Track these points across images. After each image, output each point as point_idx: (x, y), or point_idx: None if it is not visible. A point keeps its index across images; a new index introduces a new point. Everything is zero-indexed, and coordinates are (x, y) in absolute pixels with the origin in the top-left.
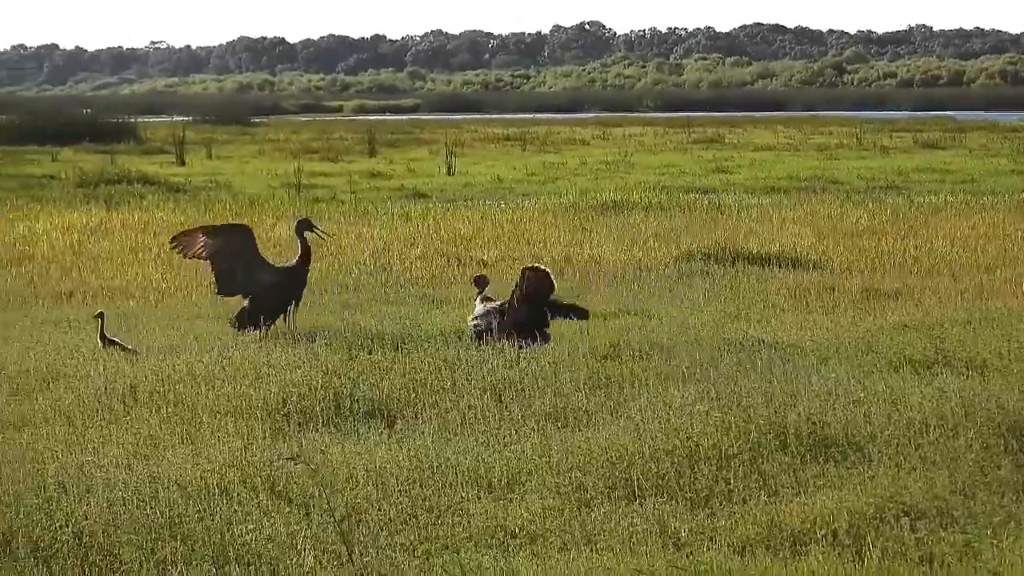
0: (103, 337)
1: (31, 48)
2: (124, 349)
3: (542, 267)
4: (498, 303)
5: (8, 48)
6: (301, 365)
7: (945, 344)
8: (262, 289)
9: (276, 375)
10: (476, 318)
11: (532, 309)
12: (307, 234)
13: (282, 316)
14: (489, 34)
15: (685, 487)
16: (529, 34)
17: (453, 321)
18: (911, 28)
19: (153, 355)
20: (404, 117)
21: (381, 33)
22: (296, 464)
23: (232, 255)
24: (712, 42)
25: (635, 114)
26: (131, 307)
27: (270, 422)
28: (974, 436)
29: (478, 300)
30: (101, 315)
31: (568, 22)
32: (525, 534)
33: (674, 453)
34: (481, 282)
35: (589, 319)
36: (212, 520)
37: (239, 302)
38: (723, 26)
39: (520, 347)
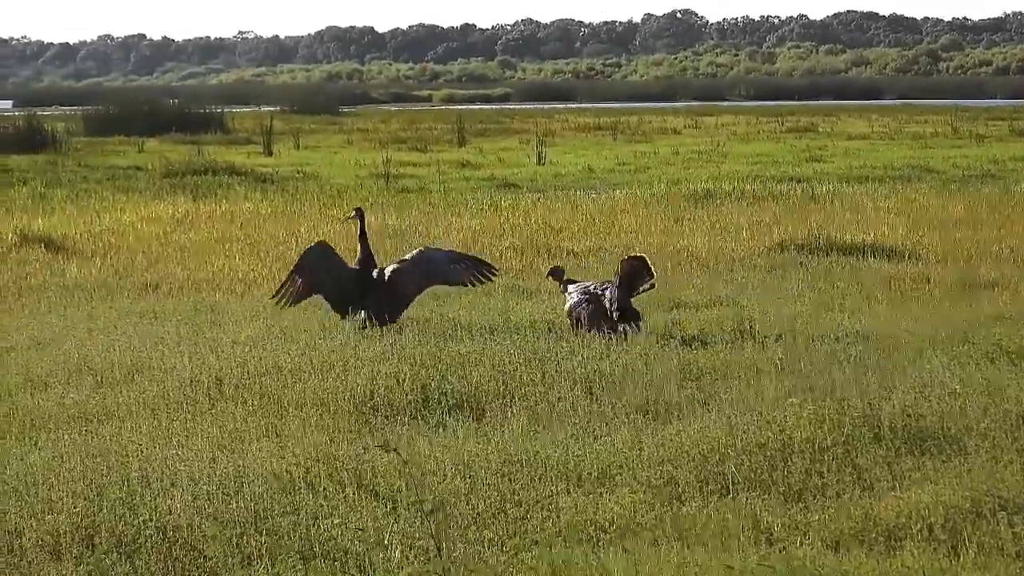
0: None
1: (118, 38)
2: None
3: (640, 254)
4: (591, 286)
5: (95, 38)
6: (388, 357)
7: None
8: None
9: (363, 367)
10: (577, 306)
11: (628, 297)
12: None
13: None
14: (580, 22)
15: (778, 481)
16: (620, 22)
17: (543, 312)
18: (1007, 15)
19: (239, 347)
20: (494, 106)
21: (471, 22)
22: (389, 452)
23: (329, 276)
24: (805, 30)
25: (727, 103)
26: (217, 299)
27: (356, 415)
28: None
29: (571, 288)
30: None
31: (660, 10)
32: (615, 529)
33: (767, 446)
34: (558, 273)
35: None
36: (298, 515)
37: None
38: (816, 14)
39: (611, 336)
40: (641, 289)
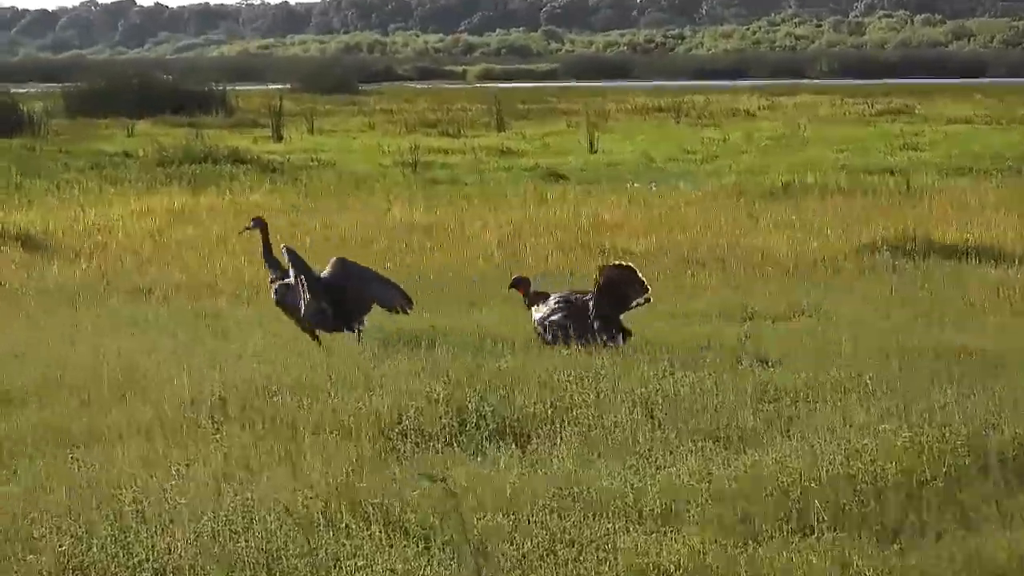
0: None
1: (103, 4)
2: None
3: (627, 263)
4: (570, 296)
5: (77, 4)
6: (419, 373)
7: None
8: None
9: (389, 385)
10: (552, 315)
11: (617, 310)
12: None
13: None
14: None
15: (869, 519)
16: None
17: None
18: None
19: (245, 361)
20: (538, 84)
21: None
22: (435, 483)
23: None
24: None
25: (808, 81)
26: (219, 305)
27: (382, 440)
28: None
29: (550, 299)
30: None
31: None
32: (681, 573)
33: (856, 479)
34: (523, 284)
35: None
36: (316, 555)
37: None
38: None
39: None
40: (633, 304)
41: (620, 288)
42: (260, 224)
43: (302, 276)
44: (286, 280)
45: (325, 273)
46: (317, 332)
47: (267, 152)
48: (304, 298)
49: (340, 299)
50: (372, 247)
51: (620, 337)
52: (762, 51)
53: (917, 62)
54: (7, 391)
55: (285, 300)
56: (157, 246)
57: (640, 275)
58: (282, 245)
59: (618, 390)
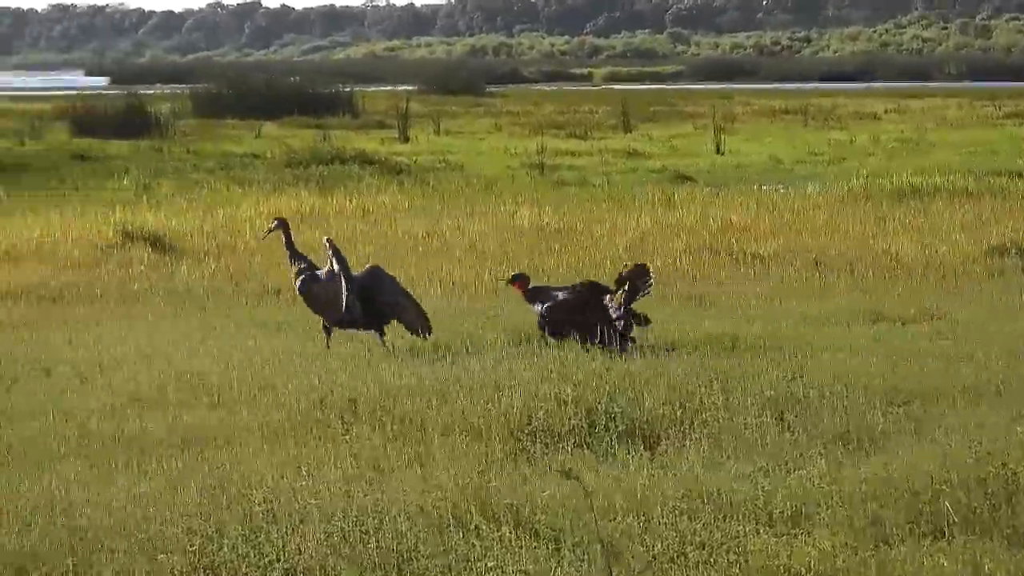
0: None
1: (230, 6)
2: None
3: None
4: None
5: (204, 6)
6: (548, 376)
7: None
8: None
9: (519, 387)
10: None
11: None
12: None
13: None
14: None
15: (1001, 522)
16: None
17: (725, 326)
18: None
19: (376, 363)
20: (664, 86)
21: None
22: (569, 480)
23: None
24: None
25: (935, 84)
26: None
27: (512, 442)
28: None
29: (540, 297)
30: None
31: None
32: (812, 575)
33: (987, 482)
34: (522, 280)
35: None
36: (447, 556)
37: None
38: None
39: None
40: (640, 296)
41: (634, 283)
42: (282, 224)
43: (343, 269)
44: (317, 272)
45: (359, 275)
46: (332, 329)
47: (394, 153)
48: (345, 288)
49: (369, 302)
50: (501, 249)
51: (632, 330)
52: (888, 53)
53: None
54: (139, 392)
55: (312, 291)
56: (283, 247)
57: (650, 267)
58: (324, 238)
59: (747, 393)
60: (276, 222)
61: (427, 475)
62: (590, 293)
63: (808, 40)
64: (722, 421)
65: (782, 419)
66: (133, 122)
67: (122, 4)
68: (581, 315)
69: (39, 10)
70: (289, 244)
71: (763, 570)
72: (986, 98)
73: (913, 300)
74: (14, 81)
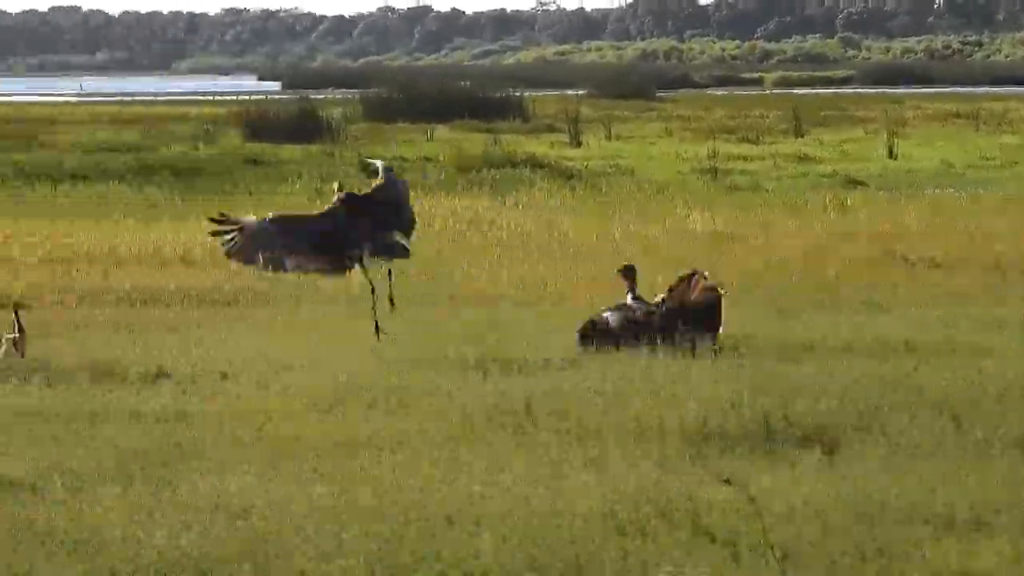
0: None
1: (400, 10)
2: None
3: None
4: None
5: (375, 10)
6: (724, 380)
7: None
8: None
9: (695, 391)
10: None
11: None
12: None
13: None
14: None
15: None
16: None
17: (901, 331)
18: None
19: (551, 367)
20: (835, 91)
21: None
22: (728, 486)
23: (298, 229)
24: None
25: None
26: (521, 311)
27: (688, 446)
28: None
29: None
30: None
31: None
32: None
33: None
34: (630, 273)
35: None
36: (626, 560)
37: None
38: None
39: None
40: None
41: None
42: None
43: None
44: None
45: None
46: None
47: (565, 158)
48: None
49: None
50: (672, 254)
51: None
52: None
53: None
54: (314, 396)
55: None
56: (457, 250)
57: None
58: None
59: (925, 397)
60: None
61: (604, 479)
62: None
63: (980, 44)
64: (900, 425)
65: (959, 424)
66: (305, 127)
67: (294, 8)
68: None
69: (211, 14)
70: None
71: None
72: None
73: None
74: (187, 85)
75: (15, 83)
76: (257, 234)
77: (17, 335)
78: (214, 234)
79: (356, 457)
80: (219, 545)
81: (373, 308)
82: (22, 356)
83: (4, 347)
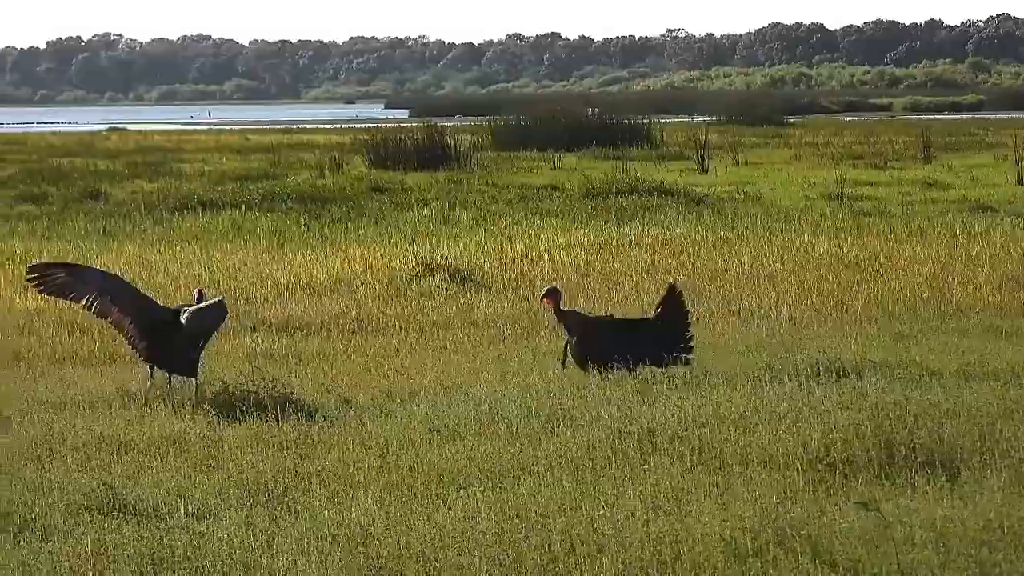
0: None
1: (529, 38)
2: None
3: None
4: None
5: (503, 38)
6: (847, 406)
7: None
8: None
9: (818, 418)
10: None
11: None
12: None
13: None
14: None
15: None
16: None
17: None
18: None
19: (674, 393)
20: (965, 116)
21: (937, 18)
22: (869, 511)
23: (126, 295)
24: None
25: None
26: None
27: (811, 472)
28: None
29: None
30: None
31: None
32: None
33: None
34: (555, 296)
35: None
36: None
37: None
38: None
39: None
40: None
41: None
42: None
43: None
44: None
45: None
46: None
47: (692, 184)
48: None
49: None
50: (798, 280)
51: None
52: None
53: None
54: (437, 423)
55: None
56: (583, 278)
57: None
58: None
59: None
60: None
61: (725, 505)
62: None
63: None
64: (1022, 451)
65: None
66: (432, 154)
67: (422, 36)
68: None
69: (340, 42)
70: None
71: None
72: None
73: None
74: (315, 113)
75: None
76: (87, 276)
77: None
78: (33, 279)
79: (477, 483)
80: (339, 572)
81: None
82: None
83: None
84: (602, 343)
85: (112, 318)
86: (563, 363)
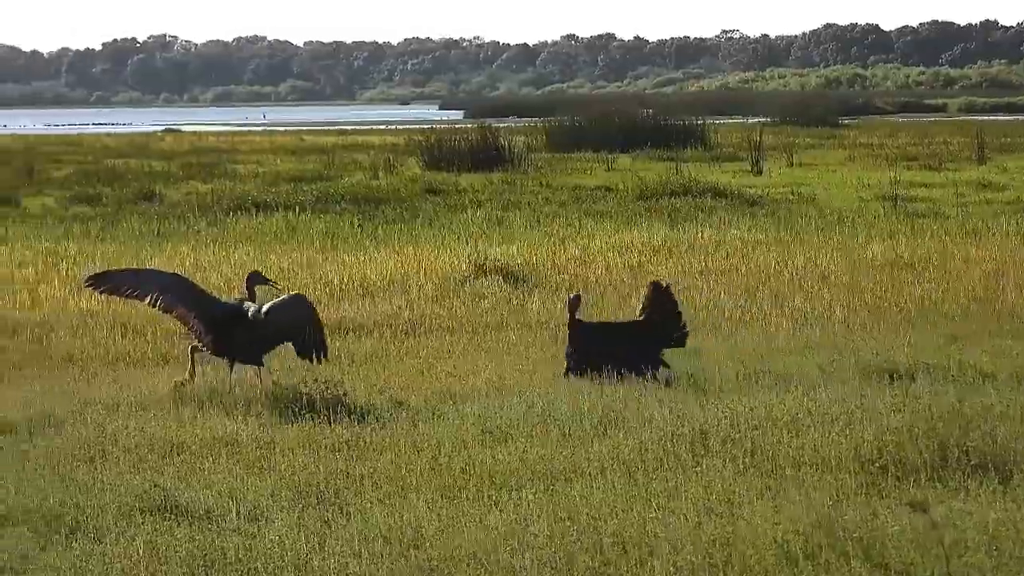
0: None
1: (584, 39)
2: None
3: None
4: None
5: (558, 39)
6: (900, 408)
7: None
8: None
9: (870, 420)
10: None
11: None
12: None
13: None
14: None
15: None
16: None
17: None
18: None
19: (726, 396)
20: (1020, 117)
21: (992, 18)
22: (919, 513)
23: (190, 295)
24: None
25: None
26: (699, 340)
27: (863, 475)
28: None
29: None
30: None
31: None
32: None
33: None
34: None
35: None
36: None
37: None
38: None
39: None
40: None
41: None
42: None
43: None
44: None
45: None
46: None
47: (746, 186)
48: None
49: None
50: (852, 281)
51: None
52: None
53: None
54: (489, 424)
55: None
56: (637, 280)
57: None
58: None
59: None
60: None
61: (778, 508)
62: None
63: None
64: None
65: None
66: (486, 155)
67: (477, 37)
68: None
69: (395, 43)
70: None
71: None
72: None
73: None
74: (369, 114)
75: (199, 113)
76: (148, 276)
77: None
78: (94, 282)
79: (529, 485)
80: (390, 573)
81: None
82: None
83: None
84: (589, 346)
85: (177, 312)
86: (566, 372)
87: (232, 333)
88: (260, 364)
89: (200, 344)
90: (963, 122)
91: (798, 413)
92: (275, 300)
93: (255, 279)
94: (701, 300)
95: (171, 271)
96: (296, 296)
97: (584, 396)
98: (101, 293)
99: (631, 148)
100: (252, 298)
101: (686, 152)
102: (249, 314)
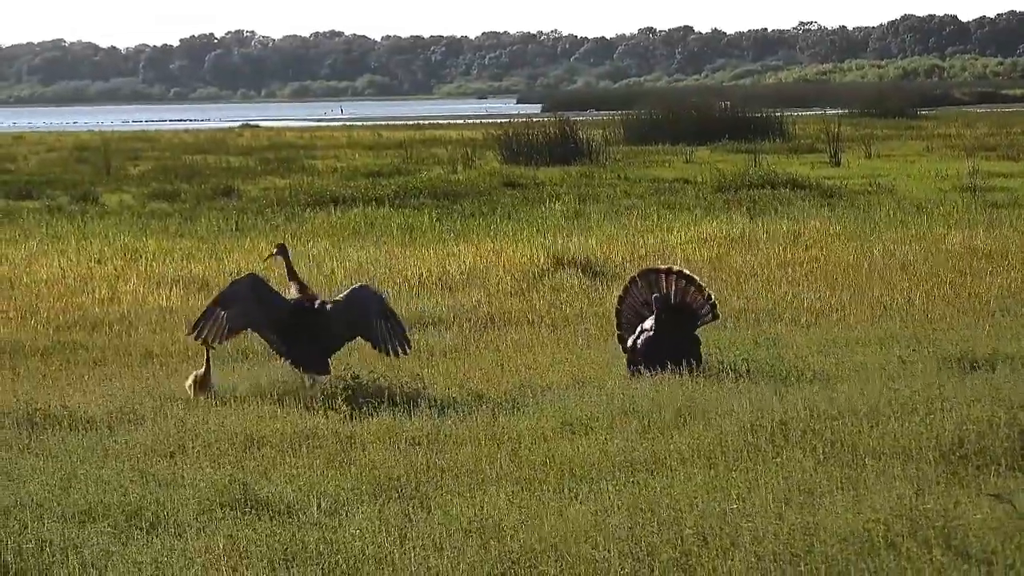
0: None
1: (662, 31)
2: None
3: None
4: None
5: (636, 32)
6: (980, 398)
7: None
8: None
9: (950, 410)
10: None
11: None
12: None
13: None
14: None
15: None
16: None
17: None
18: None
19: (806, 386)
20: None
21: None
22: (1003, 503)
23: (260, 309)
24: None
25: None
26: (779, 331)
27: (944, 464)
28: None
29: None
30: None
31: None
32: None
33: None
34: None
35: None
36: None
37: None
38: None
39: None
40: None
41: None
42: (282, 250)
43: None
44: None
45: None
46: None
47: (824, 177)
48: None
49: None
50: (931, 272)
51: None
52: None
53: None
54: (569, 417)
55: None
56: (716, 272)
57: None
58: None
59: None
60: (277, 248)
61: (859, 498)
62: None
63: None
64: None
65: None
66: (564, 148)
67: (554, 31)
68: None
69: (472, 38)
70: (290, 273)
71: None
72: None
73: None
74: (447, 109)
75: (277, 108)
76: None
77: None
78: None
79: (610, 477)
80: (472, 566)
81: None
82: (204, 393)
83: (189, 382)
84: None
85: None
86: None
87: (298, 337)
88: (327, 372)
89: (282, 360)
90: None
91: (878, 404)
92: (337, 295)
93: (282, 251)
94: (780, 292)
95: (242, 279)
96: (359, 287)
97: (664, 387)
98: (214, 342)
99: (709, 141)
100: (293, 276)
101: (764, 144)
102: (315, 305)
